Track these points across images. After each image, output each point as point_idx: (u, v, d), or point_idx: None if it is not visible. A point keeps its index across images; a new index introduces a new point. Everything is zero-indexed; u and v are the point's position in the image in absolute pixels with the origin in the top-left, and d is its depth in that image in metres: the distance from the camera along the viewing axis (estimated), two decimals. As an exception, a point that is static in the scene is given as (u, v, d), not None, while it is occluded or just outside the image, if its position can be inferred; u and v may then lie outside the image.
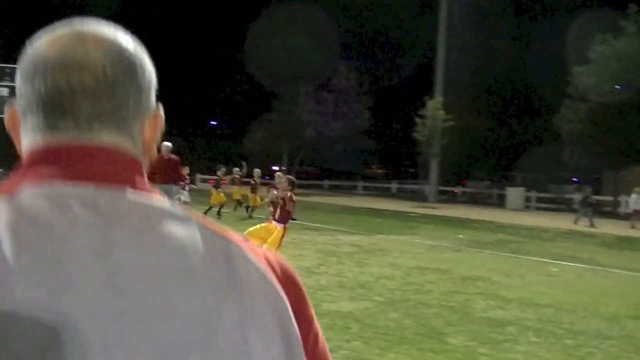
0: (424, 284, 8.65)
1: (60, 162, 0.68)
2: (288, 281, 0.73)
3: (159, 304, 0.60)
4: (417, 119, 32.46)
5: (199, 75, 50.99)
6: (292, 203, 9.12)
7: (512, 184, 37.80)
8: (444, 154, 33.13)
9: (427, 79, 38.57)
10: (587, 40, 29.81)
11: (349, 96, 44.02)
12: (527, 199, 34.29)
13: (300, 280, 0.77)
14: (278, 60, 40.31)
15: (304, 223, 15.82)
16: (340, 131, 43.15)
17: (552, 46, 33.45)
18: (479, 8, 39.21)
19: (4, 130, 0.77)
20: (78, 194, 0.64)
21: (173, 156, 12.05)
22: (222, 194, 17.99)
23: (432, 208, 28.99)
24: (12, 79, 12.95)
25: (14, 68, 10.37)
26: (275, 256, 0.76)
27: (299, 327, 0.69)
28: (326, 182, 47.02)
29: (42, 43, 0.72)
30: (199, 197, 19.07)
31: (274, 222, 9.20)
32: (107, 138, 0.71)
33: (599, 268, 11.51)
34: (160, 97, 0.79)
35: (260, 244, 7.34)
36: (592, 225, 21.46)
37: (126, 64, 0.72)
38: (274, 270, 0.72)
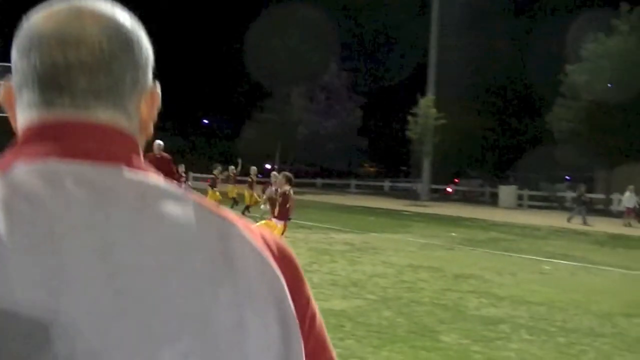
0: (416, 282, 8.65)
1: (55, 138, 0.67)
2: (285, 260, 0.72)
3: (154, 281, 0.59)
4: (410, 117, 32.49)
5: (199, 75, 50.89)
6: (291, 200, 9.14)
7: (505, 182, 37.88)
8: (436, 153, 33.14)
9: (427, 79, 38.53)
10: (580, 39, 29.92)
11: (342, 95, 44.09)
12: (520, 197, 34.39)
13: (298, 259, 0.75)
14: (278, 60, 40.36)
15: (297, 221, 15.77)
16: (333, 129, 43.18)
17: (552, 46, 33.51)
18: (478, 8, 39.28)
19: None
20: (73, 171, 0.63)
21: (165, 154, 11.98)
22: (217, 193, 18.21)
23: (425, 206, 29.02)
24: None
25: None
26: (272, 235, 0.75)
27: (296, 306, 0.69)
28: (319, 181, 47.00)
29: (39, 18, 0.71)
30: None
31: (273, 220, 9.22)
32: (104, 115, 0.69)
33: (591, 266, 11.55)
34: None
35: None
36: (585, 223, 21.54)
37: (123, 40, 0.71)
38: (271, 250, 0.71)
